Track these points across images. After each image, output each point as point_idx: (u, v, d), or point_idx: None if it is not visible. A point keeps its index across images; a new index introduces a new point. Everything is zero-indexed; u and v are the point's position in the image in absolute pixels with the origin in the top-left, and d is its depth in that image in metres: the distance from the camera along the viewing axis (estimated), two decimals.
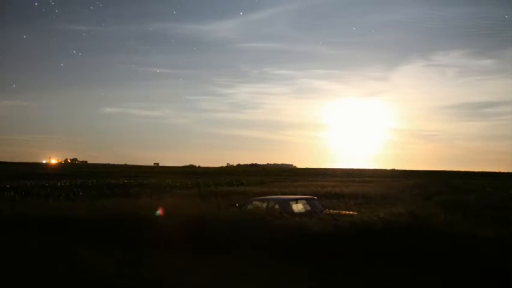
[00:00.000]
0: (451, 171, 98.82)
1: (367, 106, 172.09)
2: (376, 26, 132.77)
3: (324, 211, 12.12)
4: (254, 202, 12.48)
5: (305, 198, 12.84)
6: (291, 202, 12.01)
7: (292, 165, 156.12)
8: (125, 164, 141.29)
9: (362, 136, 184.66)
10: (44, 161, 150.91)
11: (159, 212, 10.89)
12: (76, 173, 68.14)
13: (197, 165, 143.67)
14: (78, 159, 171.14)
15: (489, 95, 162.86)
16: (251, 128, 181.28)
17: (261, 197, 13.43)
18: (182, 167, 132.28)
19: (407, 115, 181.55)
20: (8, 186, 28.85)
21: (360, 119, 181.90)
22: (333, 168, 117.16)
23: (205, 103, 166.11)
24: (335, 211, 12.55)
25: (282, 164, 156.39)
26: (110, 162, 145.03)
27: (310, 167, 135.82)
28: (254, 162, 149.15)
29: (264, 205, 11.96)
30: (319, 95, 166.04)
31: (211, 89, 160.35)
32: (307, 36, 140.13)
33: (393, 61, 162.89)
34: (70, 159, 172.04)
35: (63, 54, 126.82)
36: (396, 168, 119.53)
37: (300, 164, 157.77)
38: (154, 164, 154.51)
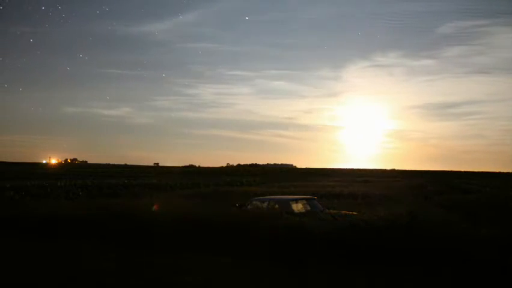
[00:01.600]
0: (450, 171, 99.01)
1: (333, 106, 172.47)
2: (312, 26, 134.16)
3: (324, 211, 12.13)
4: (254, 202, 12.50)
5: (305, 198, 12.85)
6: (291, 202, 12.02)
7: (292, 165, 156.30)
8: (125, 164, 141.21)
9: (352, 135, 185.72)
10: (44, 161, 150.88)
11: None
12: (76, 172, 68.12)
13: (197, 165, 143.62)
14: (78, 159, 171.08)
15: (448, 96, 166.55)
16: (223, 128, 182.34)
17: (261, 197, 13.44)
18: (182, 166, 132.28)
19: (376, 115, 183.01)
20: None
21: (333, 119, 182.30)
22: (333, 168, 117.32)
23: (168, 102, 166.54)
24: (334, 211, 12.56)
25: (281, 164, 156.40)
26: (111, 162, 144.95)
27: (310, 167, 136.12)
28: (254, 163, 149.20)
29: (264, 205, 11.98)
30: (283, 95, 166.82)
31: (174, 89, 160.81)
32: (250, 37, 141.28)
33: (339, 62, 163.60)
34: (70, 159, 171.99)
35: (22, 54, 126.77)
36: (388, 168, 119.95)
37: (300, 164, 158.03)
38: (154, 164, 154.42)
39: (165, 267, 7.96)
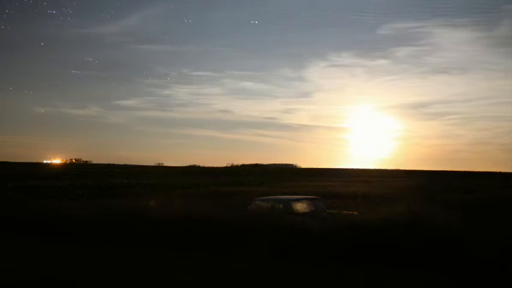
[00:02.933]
0: (450, 171, 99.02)
1: (310, 106, 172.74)
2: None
3: (327, 211, 12.20)
4: (256, 202, 12.55)
5: (308, 198, 12.90)
6: (293, 202, 12.07)
7: (293, 164, 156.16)
8: (125, 164, 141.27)
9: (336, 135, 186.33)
10: (46, 161, 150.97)
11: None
12: (80, 172, 68.22)
13: (200, 165, 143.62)
14: (82, 158, 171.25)
15: (419, 96, 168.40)
16: (201, 128, 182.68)
17: (263, 197, 13.51)
18: (185, 166, 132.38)
19: (352, 115, 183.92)
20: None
21: (316, 119, 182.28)
22: (334, 169, 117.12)
23: (136, 103, 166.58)
24: (336, 211, 12.64)
25: (284, 164, 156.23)
26: (115, 163, 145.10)
27: (313, 167, 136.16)
28: (256, 163, 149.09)
29: (267, 205, 12.04)
30: (256, 95, 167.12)
31: (145, 90, 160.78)
32: (207, 37, 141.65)
33: (298, 62, 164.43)
34: (75, 159, 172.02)
35: None
36: (387, 167, 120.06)
37: (302, 164, 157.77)
38: (158, 163, 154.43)
39: (165, 268, 8.05)
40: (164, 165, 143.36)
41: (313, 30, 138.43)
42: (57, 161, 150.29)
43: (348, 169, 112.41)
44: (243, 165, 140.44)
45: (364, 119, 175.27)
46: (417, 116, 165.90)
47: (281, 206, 11.78)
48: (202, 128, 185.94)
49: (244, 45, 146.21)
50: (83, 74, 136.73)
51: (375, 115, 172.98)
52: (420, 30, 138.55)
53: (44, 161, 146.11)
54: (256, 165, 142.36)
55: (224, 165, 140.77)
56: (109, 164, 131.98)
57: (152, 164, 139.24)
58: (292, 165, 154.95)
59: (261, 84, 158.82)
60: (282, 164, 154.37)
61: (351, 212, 12.24)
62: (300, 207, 11.88)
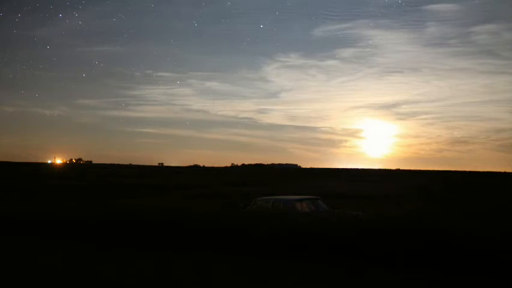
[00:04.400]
0: (450, 170, 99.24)
1: (284, 107, 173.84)
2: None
3: (329, 211, 12.17)
4: (258, 202, 12.53)
5: (309, 198, 12.87)
6: (295, 202, 12.05)
7: (297, 165, 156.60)
8: (130, 164, 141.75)
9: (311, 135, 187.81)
10: (49, 161, 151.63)
11: None
12: (80, 173, 68.41)
13: (201, 165, 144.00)
14: (83, 159, 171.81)
15: (382, 96, 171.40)
16: (180, 127, 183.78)
17: (265, 197, 13.48)
18: (186, 167, 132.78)
19: (324, 115, 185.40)
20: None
21: (296, 119, 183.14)
22: (336, 169, 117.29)
23: (99, 102, 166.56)
24: (339, 211, 12.61)
25: (286, 164, 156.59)
26: (115, 163, 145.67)
27: (315, 167, 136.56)
28: (259, 162, 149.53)
29: (269, 205, 12.02)
30: (226, 96, 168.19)
31: (117, 92, 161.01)
32: (159, 38, 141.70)
33: (252, 63, 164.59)
34: (75, 159, 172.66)
35: None
36: (381, 167, 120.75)
37: (304, 164, 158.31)
38: (159, 164, 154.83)
39: (165, 268, 8.05)
40: (165, 165, 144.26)
41: (260, 31, 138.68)
42: (59, 161, 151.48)
43: (349, 169, 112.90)
44: (243, 165, 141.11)
45: (338, 119, 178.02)
46: (390, 116, 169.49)
47: (282, 206, 11.77)
48: (176, 127, 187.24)
49: (201, 46, 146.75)
50: (46, 74, 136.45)
51: (348, 115, 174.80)
52: (354, 31, 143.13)
53: (48, 161, 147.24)
54: (258, 165, 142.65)
55: (223, 165, 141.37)
56: (111, 164, 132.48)
57: (154, 164, 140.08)
58: (295, 165, 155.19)
59: (227, 85, 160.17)
60: (285, 164, 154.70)
61: (354, 212, 12.23)
62: (302, 207, 11.86)
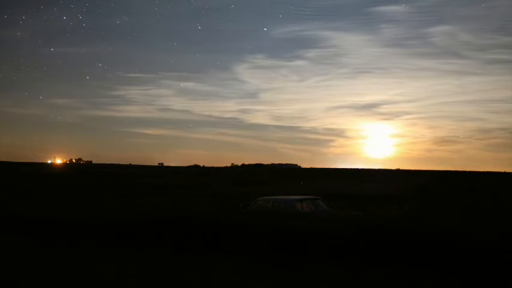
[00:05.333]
0: (451, 170, 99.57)
1: (262, 107, 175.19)
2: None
3: (329, 211, 12.19)
4: (258, 202, 12.54)
5: (310, 198, 12.89)
6: (295, 202, 12.06)
7: (296, 165, 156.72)
8: (130, 164, 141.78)
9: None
10: (49, 161, 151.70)
11: None
12: (81, 172, 68.46)
13: (201, 165, 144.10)
14: (83, 159, 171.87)
15: (361, 96, 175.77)
16: (161, 127, 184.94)
17: (265, 197, 13.49)
18: (186, 166, 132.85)
19: (307, 115, 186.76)
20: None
21: (282, 119, 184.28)
22: (337, 168, 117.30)
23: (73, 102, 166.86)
24: (339, 211, 12.63)
25: (286, 164, 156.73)
26: (115, 162, 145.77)
27: (314, 167, 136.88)
28: (258, 162, 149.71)
29: (269, 205, 12.04)
30: (204, 96, 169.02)
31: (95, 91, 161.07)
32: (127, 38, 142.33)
33: (222, 64, 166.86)
34: (75, 159, 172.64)
35: None
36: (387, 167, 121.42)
37: (304, 164, 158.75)
38: (159, 164, 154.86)
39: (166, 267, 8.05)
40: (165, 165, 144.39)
41: (225, 32, 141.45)
42: (59, 161, 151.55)
43: (346, 169, 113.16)
44: (243, 165, 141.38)
45: (322, 119, 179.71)
46: (372, 116, 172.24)
47: (282, 206, 11.78)
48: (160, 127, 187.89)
49: (169, 47, 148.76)
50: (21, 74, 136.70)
51: (331, 115, 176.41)
52: (312, 33, 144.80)
53: (48, 161, 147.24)
54: (258, 165, 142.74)
55: (222, 165, 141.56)
56: (111, 164, 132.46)
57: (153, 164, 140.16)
58: (295, 165, 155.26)
59: (203, 85, 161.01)
60: (285, 164, 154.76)
61: (355, 212, 12.25)
62: (302, 207, 11.87)
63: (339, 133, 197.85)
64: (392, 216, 9.13)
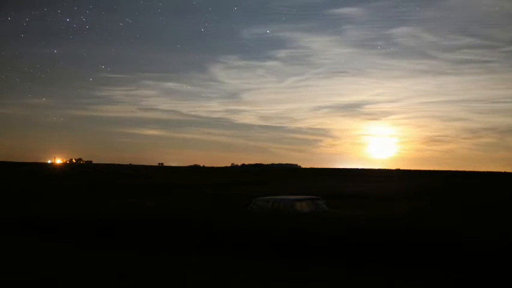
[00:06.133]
0: (451, 170, 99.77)
1: (247, 107, 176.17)
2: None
3: (329, 211, 12.20)
4: (258, 202, 12.54)
5: (310, 198, 12.88)
6: (295, 202, 12.05)
7: (296, 165, 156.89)
8: (130, 164, 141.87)
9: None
10: (49, 161, 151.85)
11: None
12: (81, 173, 68.47)
13: (201, 165, 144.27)
14: (83, 159, 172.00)
15: (342, 97, 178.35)
16: (146, 127, 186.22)
17: (265, 197, 13.49)
18: (186, 167, 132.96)
19: (293, 116, 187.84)
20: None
21: (270, 119, 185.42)
22: (337, 168, 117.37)
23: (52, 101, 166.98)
24: (339, 211, 12.64)
25: (286, 164, 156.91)
26: (116, 163, 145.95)
27: (314, 167, 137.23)
28: (258, 162, 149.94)
29: (269, 205, 12.04)
30: (188, 96, 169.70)
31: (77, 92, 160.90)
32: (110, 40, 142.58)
33: (198, 64, 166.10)
34: (75, 159, 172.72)
35: None
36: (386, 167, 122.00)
37: (304, 164, 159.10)
38: (159, 164, 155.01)
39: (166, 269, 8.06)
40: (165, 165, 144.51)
41: (197, 32, 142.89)
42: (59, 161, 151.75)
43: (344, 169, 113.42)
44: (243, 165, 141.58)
45: (308, 120, 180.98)
46: (357, 116, 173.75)
47: (282, 206, 11.78)
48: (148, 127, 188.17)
49: (146, 47, 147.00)
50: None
51: (316, 115, 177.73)
52: (280, 34, 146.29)
53: (48, 161, 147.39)
54: (258, 165, 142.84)
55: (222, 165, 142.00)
56: (111, 164, 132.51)
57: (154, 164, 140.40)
58: (295, 165, 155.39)
59: (185, 85, 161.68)
60: (285, 164, 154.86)
61: (355, 212, 12.26)
62: (302, 207, 11.87)
63: (326, 133, 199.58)
64: (391, 216, 9.14)
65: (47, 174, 58.98)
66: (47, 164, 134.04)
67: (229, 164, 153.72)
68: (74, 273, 7.53)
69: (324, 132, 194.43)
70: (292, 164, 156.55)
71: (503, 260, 6.96)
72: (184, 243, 9.42)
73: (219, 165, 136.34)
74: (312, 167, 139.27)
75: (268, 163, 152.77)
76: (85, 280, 7.11)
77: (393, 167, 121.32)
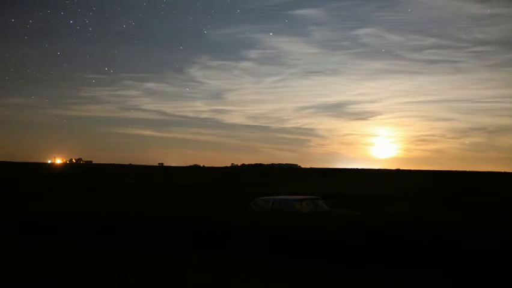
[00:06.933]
0: (451, 170, 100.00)
1: (233, 107, 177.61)
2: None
3: (329, 211, 12.20)
4: (258, 202, 12.54)
5: (310, 198, 12.88)
6: (295, 202, 12.05)
7: (297, 165, 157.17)
8: (130, 164, 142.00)
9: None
10: (49, 161, 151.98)
11: None
12: (81, 173, 68.49)
13: (201, 165, 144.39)
14: (83, 159, 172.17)
15: (324, 97, 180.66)
16: (134, 126, 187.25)
17: (265, 197, 13.49)
18: (186, 167, 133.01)
19: (279, 116, 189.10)
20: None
21: (258, 119, 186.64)
22: (337, 168, 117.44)
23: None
24: (339, 211, 12.64)
25: (286, 164, 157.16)
26: (115, 163, 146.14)
27: (314, 167, 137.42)
28: (258, 162, 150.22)
29: (269, 205, 12.04)
30: (171, 97, 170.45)
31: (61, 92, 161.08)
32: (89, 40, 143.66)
33: (174, 65, 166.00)
34: (75, 159, 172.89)
35: None
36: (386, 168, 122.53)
37: (304, 164, 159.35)
38: (159, 164, 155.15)
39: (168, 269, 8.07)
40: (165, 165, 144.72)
41: (166, 33, 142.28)
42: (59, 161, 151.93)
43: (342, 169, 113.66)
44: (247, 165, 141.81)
45: (295, 120, 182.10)
46: (342, 116, 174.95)
47: (282, 206, 11.78)
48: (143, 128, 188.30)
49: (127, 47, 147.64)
50: None
51: (302, 115, 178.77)
52: (245, 36, 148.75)
53: (49, 161, 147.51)
54: (258, 165, 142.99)
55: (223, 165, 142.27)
56: (111, 164, 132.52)
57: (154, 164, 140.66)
58: (295, 165, 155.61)
59: (165, 85, 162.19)
60: (285, 164, 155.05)
61: (355, 212, 12.27)
62: (302, 207, 11.87)
63: (314, 133, 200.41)
64: (390, 216, 9.14)
65: (47, 174, 59.02)
66: (47, 164, 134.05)
67: (229, 164, 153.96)
68: (74, 273, 7.53)
69: (312, 132, 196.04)
70: (293, 164, 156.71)
71: (504, 260, 6.96)
72: (184, 243, 9.42)
73: (219, 165, 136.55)
74: (311, 167, 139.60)
75: (268, 163, 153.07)
76: (84, 280, 7.10)
77: (387, 167, 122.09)
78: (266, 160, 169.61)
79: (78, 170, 78.04)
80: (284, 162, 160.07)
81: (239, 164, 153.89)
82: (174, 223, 10.39)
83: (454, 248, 7.54)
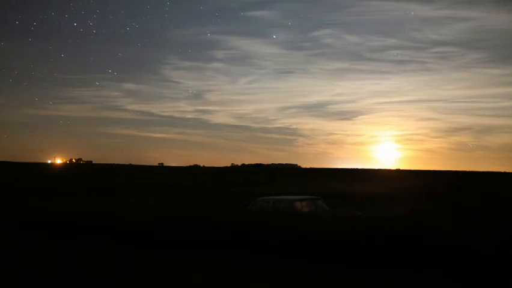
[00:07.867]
0: (450, 171, 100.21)
1: (217, 107, 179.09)
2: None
3: (329, 211, 12.19)
4: (258, 202, 12.53)
5: (310, 198, 12.87)
6: (295, 202, 12.04)
7: (297, 165, 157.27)
8: (130, 164, 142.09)
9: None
10: (49, 161, 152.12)
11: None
12: (81, 172, 68.50)
13: (201, 165, 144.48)
14: (83, 159, 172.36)
15: (305, 97, 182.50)
16: (118, 126, 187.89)
17: (265, 197, 13.48)
18: (186, 166, 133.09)
19: (262, 116, 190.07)
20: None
21: (240, 118, 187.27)
22: (337, 168, 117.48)
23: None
24: (339, 211, 12.63)
25: (286, 164, 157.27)
26: (115, 163, 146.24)
27: (314, 167, 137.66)
28: (259, 162, 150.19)
29: (269, 205, 12.03)
30: (154, 97, 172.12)
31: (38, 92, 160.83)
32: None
33: (151, 65, 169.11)
34: (75, 159, 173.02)
35: None
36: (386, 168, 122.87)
37: (304, 163, 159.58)
38: (159, 164, 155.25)
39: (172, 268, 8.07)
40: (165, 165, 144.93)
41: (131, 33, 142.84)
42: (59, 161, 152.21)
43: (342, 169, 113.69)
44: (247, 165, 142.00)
45: (279, 119, 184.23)
46: (325, 116, 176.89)
47: (282, 206, 11.78)
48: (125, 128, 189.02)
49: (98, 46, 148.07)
50: None
51: (285, 115, 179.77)
52: (205, 37, 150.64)
53: (49, 161, 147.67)
54: (258, 164, 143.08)
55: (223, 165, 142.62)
56: (111, 164, 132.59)
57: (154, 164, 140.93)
58: (295, 165, 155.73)
59: (143, 86, 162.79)
60: (284, 164, 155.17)
61: (355, 212, 12.25)
62: (302, 207, 11.86)
63: (300, 133, 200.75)
64: (390, 216, 9.13)
65: (47, 174, 59.01)
66: (47, 164, 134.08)
67: (229, 164, 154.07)
68: (73, 273, 7.54)
69: (298, 132, 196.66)
70: (293, 164, 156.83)
71: (503, 260, 6.96)
72: (184, 243, 9.42)
73: (219, 165, 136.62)
74: (312, 167, 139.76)
75: (269, 163, 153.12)
76: (84, 280, 7.11)
77: (381, 167, 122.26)
78: (260, 160, 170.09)
79: (77, 170, 78.04)
80: (284, 162, 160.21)
81: (239, 164, 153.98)
82: (173, 223, 10.39)
83: (454, 248, 7.54)
